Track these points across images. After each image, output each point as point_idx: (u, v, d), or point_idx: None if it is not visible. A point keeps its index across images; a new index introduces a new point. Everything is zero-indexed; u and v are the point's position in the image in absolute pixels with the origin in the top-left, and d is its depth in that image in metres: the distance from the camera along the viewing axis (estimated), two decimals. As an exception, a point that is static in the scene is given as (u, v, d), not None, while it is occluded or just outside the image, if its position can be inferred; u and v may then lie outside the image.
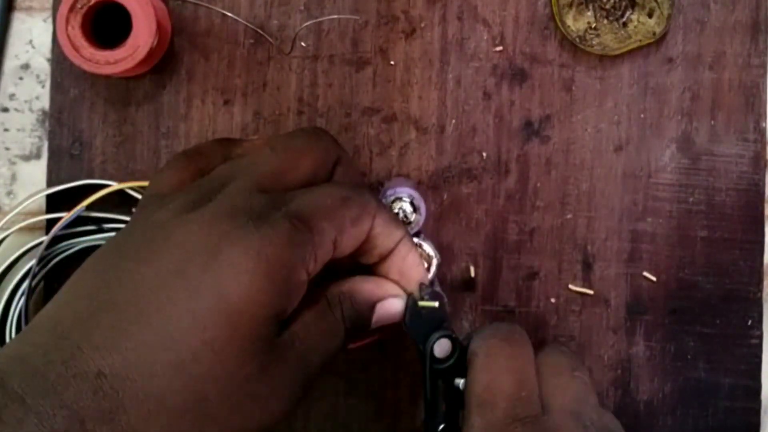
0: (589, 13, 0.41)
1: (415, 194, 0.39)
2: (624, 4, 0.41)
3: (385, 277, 0.34)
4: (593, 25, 0.41)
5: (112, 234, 0.41)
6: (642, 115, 0.43)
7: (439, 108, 0.43)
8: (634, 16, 0.41)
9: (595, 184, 0.43)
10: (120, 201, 0.41)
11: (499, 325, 0.35)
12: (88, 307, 0.27)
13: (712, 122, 0.43)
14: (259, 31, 0.42)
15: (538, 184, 0.43)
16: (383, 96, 0.43)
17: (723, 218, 0.43)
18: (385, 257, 0.33)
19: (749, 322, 0.43)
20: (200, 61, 0.43)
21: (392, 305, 0.33)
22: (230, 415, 0.28)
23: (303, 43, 0.43)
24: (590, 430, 0.31)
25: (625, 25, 0.41)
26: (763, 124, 0.43)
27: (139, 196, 0.41)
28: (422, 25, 0.43)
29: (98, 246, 0.39)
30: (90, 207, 0.40)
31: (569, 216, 0.43)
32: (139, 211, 0.32)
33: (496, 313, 0.43)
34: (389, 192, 0.39)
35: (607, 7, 0.41)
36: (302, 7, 0.43)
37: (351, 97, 0.43)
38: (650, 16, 0.41)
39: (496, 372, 0.32)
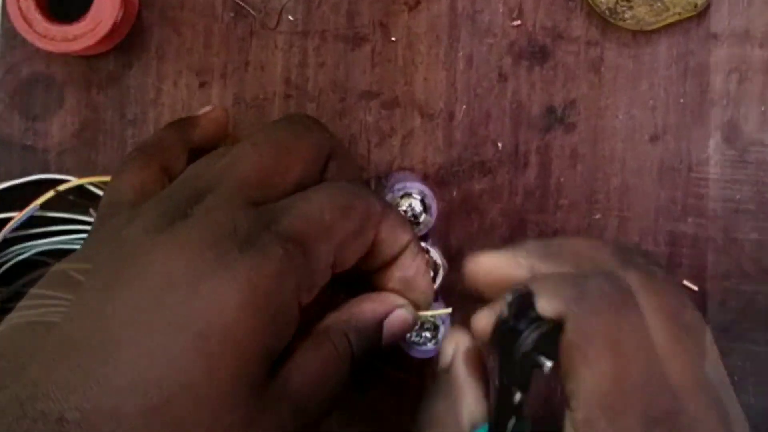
0: (622, -19, 0.37)
1: (427, 191, 0.35)
2: None
3: (386, 286, 0.31)
4: None
5: (71, 236, 0.39)
6: (681, 100, 0.39)
7: (447, 91, 0.39)
8: None
9: (627, 179, 0.39)
10: (79, 198, 0.38)
11: (596, 282, 0.26)
12: (52, 340, 0.25)
13: (763, 108, 0.39)
14: (239, 2, 0.39)
15: (562, 179, 0.39)
16: (383, 77, 0.39)
17: (775, 217, 0.39)
18: (388, 264, 0.31)
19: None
20: (172, 37, 0.40)
21: (400, 317, 0.31)
22: None
23: (290, 17, 0.39)
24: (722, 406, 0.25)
25: None
26: (821, 109, 0.38)
27: (101, 193, 0.38)
28: (429, -6, 0.39)
29: (55, 251, 0.38)
30: (45, 205, 0.38)
31: (598, 216, 0.39)
32: (101, 224, 0.30)
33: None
34: (397, 186, 0.35)
35: (643, -26, 0.37)
36: (291, -24, 0.39)
37: (346, 78, 0.39)
38: None
39: (621, 363, 0.25)
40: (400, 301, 0.31)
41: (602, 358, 0.24)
